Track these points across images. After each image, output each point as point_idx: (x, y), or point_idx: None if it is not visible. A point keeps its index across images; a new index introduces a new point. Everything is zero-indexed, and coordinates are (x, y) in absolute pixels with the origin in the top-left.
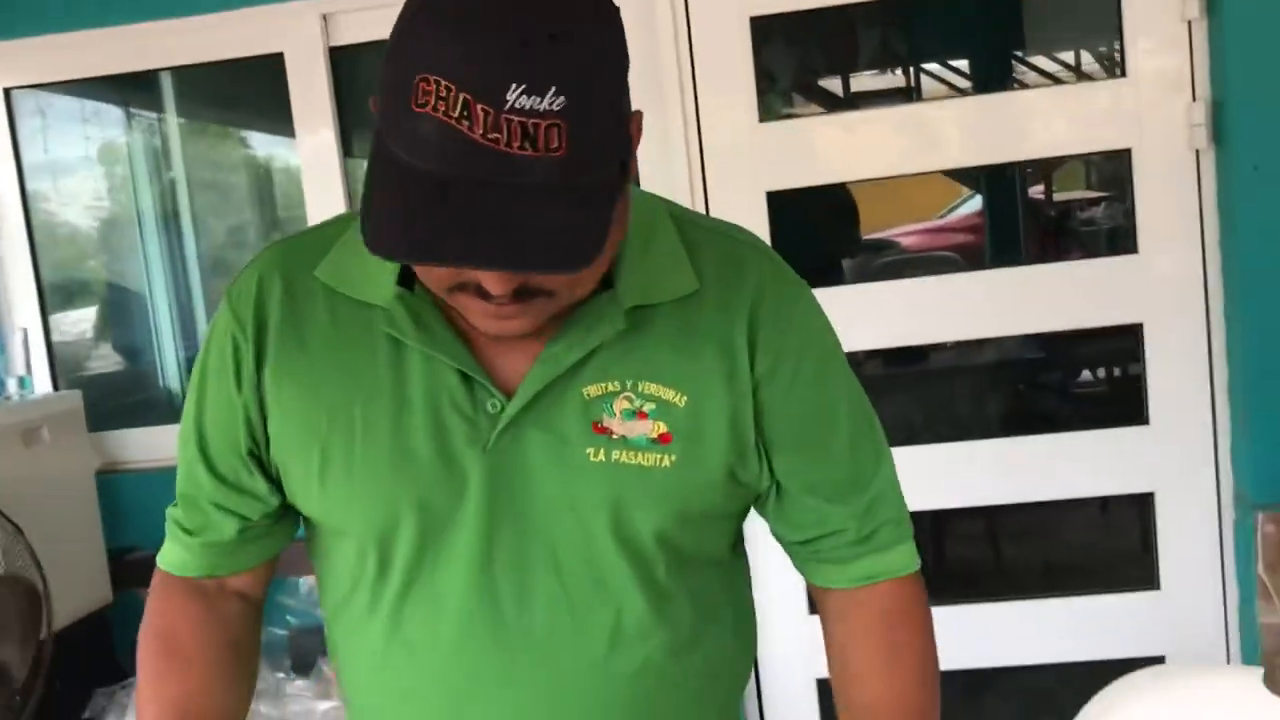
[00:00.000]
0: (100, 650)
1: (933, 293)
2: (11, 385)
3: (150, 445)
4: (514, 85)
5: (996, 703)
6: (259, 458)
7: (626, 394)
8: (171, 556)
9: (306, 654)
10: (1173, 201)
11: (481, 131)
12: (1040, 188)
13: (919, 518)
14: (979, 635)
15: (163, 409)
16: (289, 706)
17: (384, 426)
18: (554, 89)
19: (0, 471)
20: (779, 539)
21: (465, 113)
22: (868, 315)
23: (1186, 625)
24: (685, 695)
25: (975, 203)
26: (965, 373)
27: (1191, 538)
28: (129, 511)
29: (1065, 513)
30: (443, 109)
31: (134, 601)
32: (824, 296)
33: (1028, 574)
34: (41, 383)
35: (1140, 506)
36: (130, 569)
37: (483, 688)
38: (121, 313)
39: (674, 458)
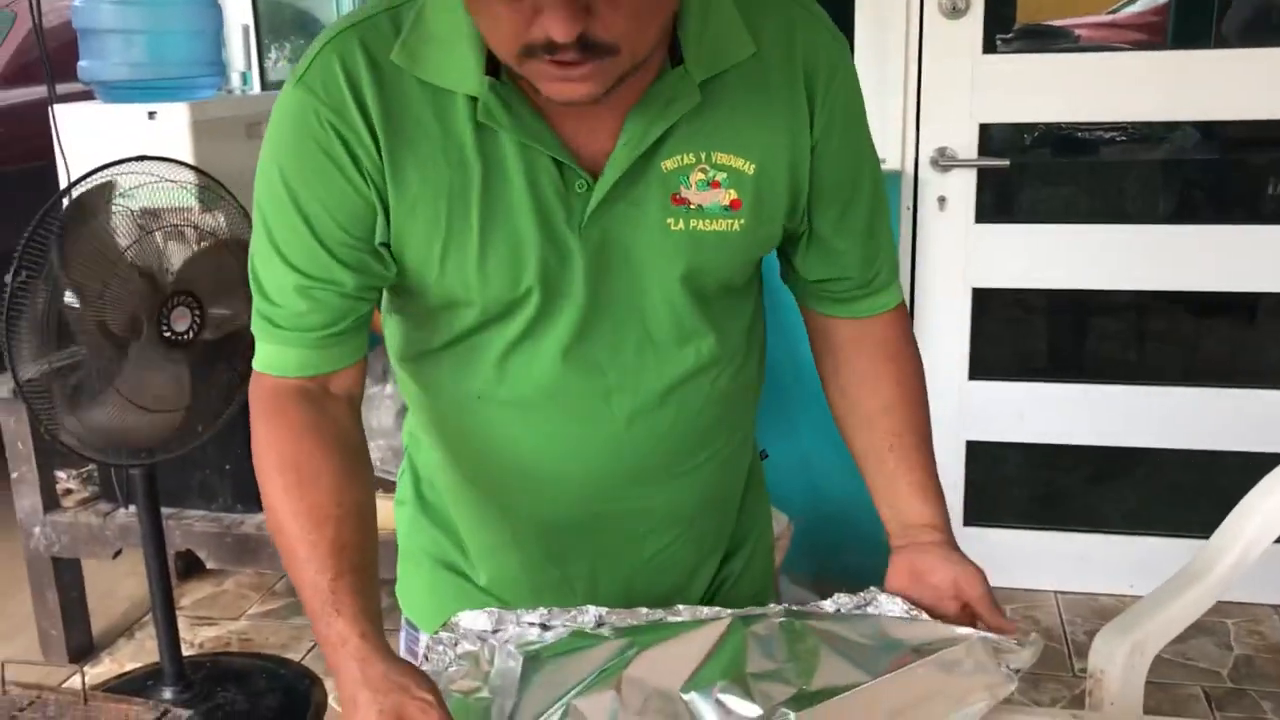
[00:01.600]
0: None
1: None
2: (235, 80)
3: None
4: None
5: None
6: (381, 241)
7: (702, 166)
8: (277, 358)
9: None
10: None
11: None
12: None
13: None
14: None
15: None
16: None
17: (498, 210)
18: None
19: (225, 156)
20: (790, 277)
21: None
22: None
23: None
24: (738, 410)
25: None
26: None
27: None
28: None
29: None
30: None
31: None
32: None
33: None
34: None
35: None
36: None
37: (572, 423)
38: None
39: (743, 221)
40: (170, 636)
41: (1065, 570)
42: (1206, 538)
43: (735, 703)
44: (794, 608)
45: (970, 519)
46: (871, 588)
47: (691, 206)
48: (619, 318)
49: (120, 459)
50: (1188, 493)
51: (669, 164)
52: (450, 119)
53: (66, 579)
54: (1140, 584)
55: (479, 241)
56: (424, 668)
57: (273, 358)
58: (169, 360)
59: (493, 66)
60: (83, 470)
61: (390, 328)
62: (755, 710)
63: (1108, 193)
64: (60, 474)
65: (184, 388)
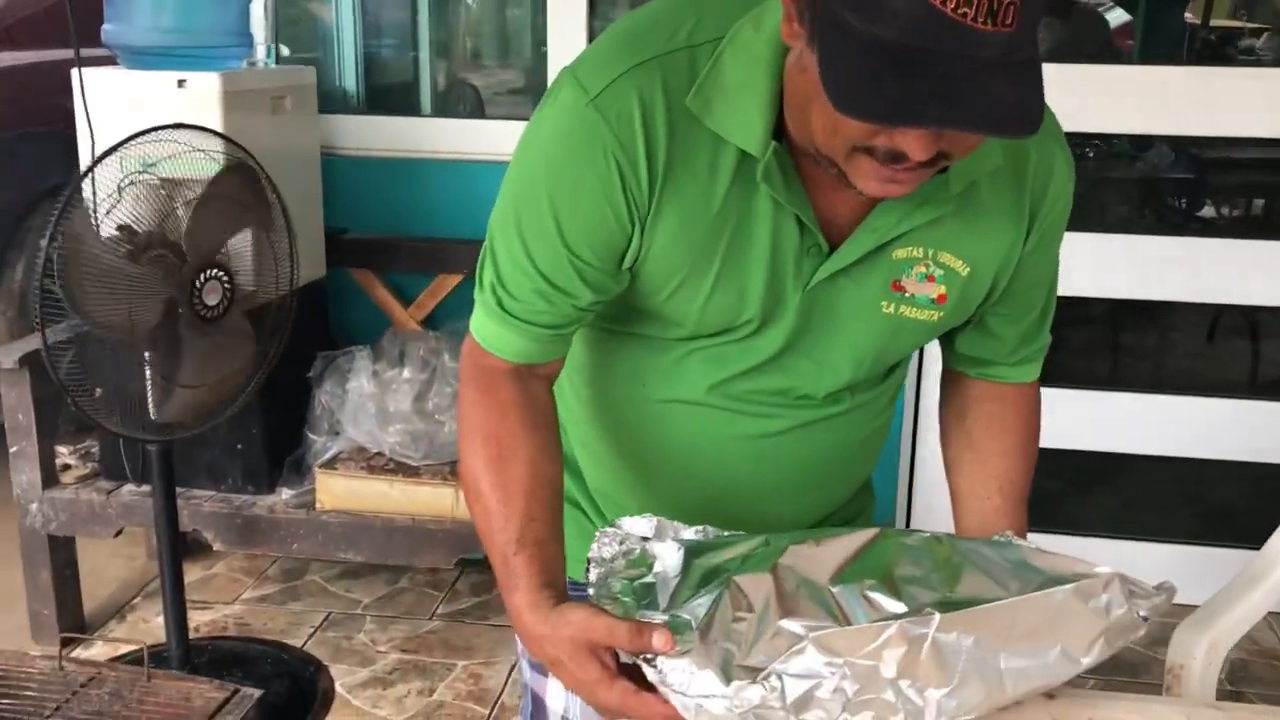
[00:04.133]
0: (317, 320)
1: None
2: (260, 53)
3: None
4: None
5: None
6: (623, 266)
7: (926, 261)
8: (501, 341)
9: None
10: None
11: (953, 6)
12: None
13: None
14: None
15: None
16: None
17: (736, 262)
18: None
19: (252, 129)
20: (942, 343)
21: None
22: None
23: None
24: (872, 445)
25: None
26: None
27: None
28: (340, 195)
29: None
30: None
31: (344, 279)
32: None
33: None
34: None
35: None
36: (343, 248)
37: (714, 434)
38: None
39: (942, 314)
40: (179, 618)
41: None
42: (1188, 543)
43: (882, 599)
44: (939, 533)
45: None
46: (1007, 532)
47: (906, 295)
48: (797, 371)
49: (141, 435)
50: (1168, 498)
51: (900, 253)
52: (718, 166)
53: (61, 558)
54: None
55: (713, 283)
56: (590, 554)
57: (497, 339)
58: (201, 334)
59: (776, 129)
60: (81, 446)
61: None
62: (901, 607)
63: (1082, 202)
64: (60, 449)
65: (213, 364)
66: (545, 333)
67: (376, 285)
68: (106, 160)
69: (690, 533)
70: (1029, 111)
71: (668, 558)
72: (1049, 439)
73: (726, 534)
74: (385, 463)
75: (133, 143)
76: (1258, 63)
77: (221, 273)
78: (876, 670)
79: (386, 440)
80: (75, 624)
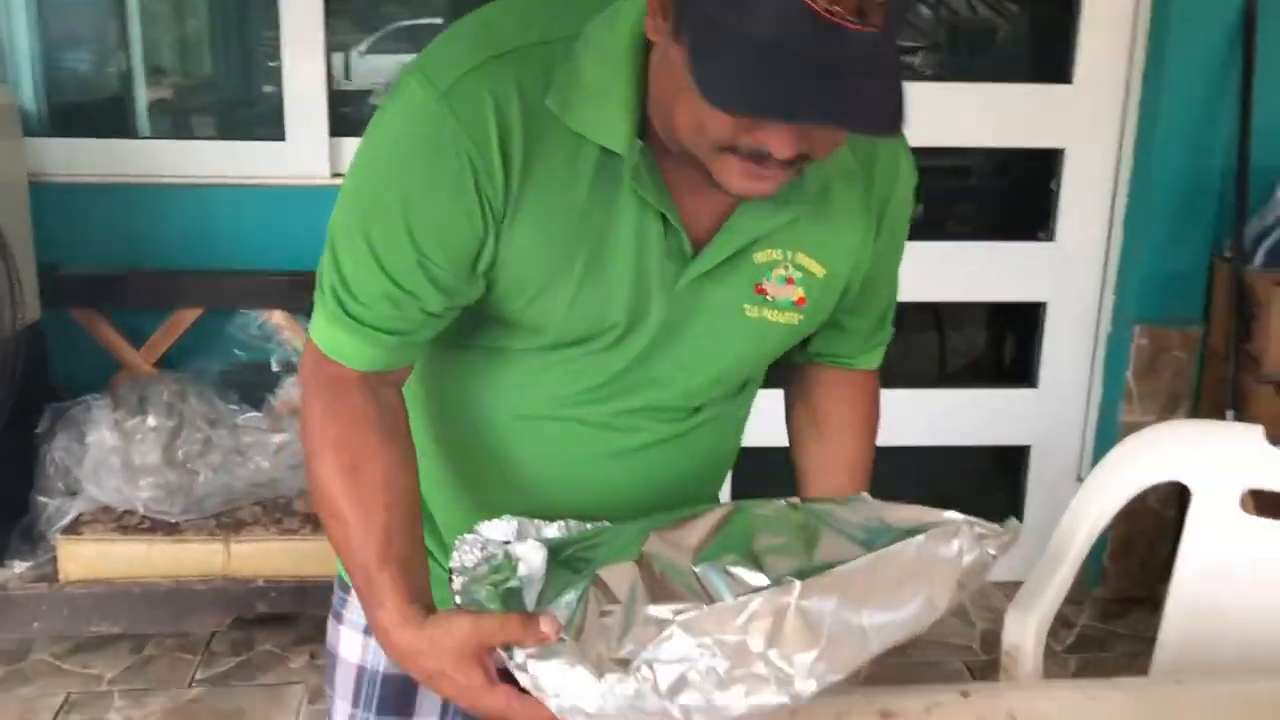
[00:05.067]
0: (34, 368)
1: None
2: None
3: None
4: None
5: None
6: (477, 269)
7: (786, 264)
8: (348, 350)
9: (254, 389)
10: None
11: (824, 4)
12: None
13: None
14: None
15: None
16: (242, 437)
17: (599, 264)
18: None
19: None
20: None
21: None
22: None
23: (1054, 419)
24: (723, 456)
25: None
26: None
27: (1070, 346)
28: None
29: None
30: None
31: (61, 321)
32: None
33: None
34: None
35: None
36: (59, 286)
37: (569, 449)
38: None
39: (802, 318)
40: None
41: None
42: None
43: (743, 574)
44: (792, 499)
45: None
46: (862, 494)
47: (768, 298)
48: (659, 381)
49: None
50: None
51: (760, 256)
52: (578, 166)
53: None
54: None
55: (576, 287)
56: (452, 564)
57: (342, 346)
58: None
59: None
60: None
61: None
62: (763, 579)
63: None
64: None
65: None
66: (393, 339)
67: (102, 325)
68: None
69: (552, 529)
70: (895, 110)
71: (532, 558)
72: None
73: (589, 526)
74: (139, 521)
75: None
76: (919, 78)
77: None
78: (745, 645)
79: (138, 496)
80: None
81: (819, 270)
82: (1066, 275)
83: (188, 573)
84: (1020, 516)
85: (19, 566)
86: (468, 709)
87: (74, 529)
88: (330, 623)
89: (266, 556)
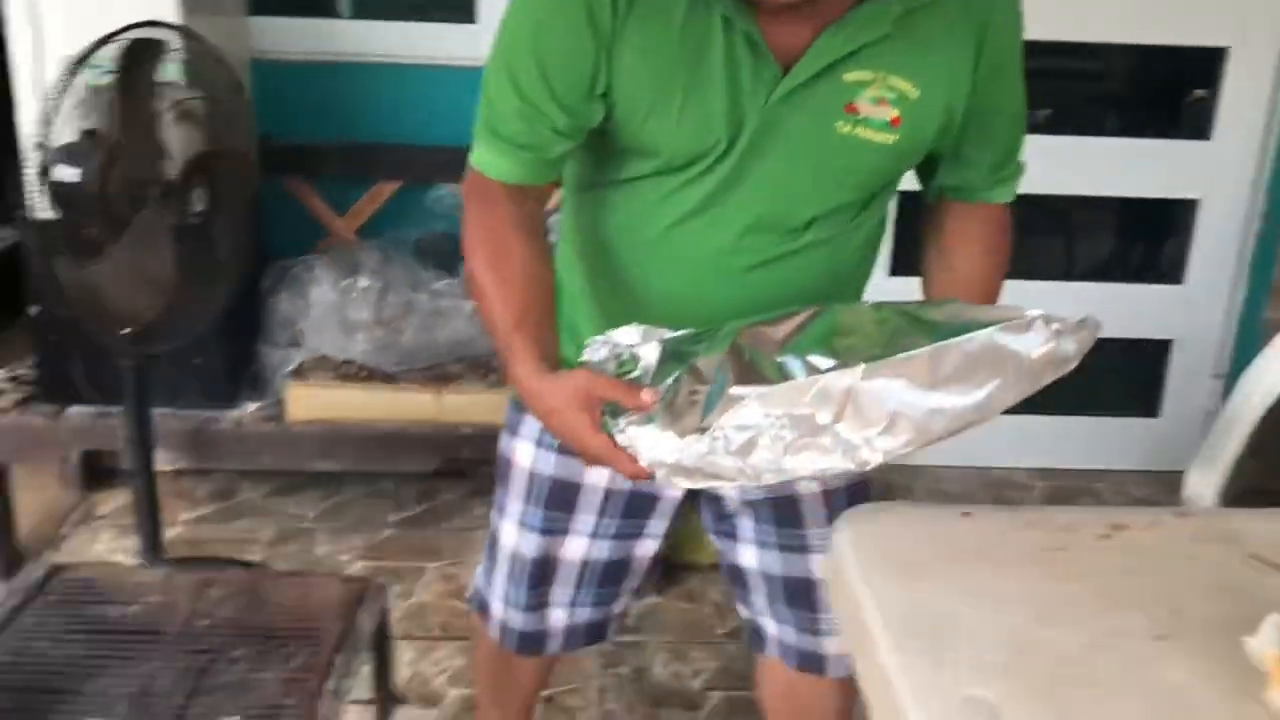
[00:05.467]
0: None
1: None
2: None
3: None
4: None
5: None
6: (595, 90)
7: (877, 84)
8: (493, 163)
9: (448, 257)
10: None
11: None
12: None
13: None
14: None
15: None
16: (441, 301)
17: (698, 85)
18: None
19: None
20: (922, 177)
21: None
22: None
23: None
24: (841, 280)
25: None
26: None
27: (1220, 244)
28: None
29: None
30: None
31: (274, 189)
32: None
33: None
34: None
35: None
36: (272, 155)
37: (697, 265)
38: None
39: (897, 138)
40: (154, 540)
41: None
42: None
43: (820, 360)
44: (882, 301)
45: None
46: (954, 298)
47: (860, 116)
48: (760, 194)
49: (103, 334)
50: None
51: (850, 77)
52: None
53: None
54: (1027, 458)
55: (680, 105)
56: (584, 357)
57: (489, 162)
58: (169, 239)
59: None
60: (16, 373)
61: (573, 163)
62: (832, 362)
63: None
64: None
65: (174, 271)
66: (527, 155)
67: (310, 194)
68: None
69: (670, 334)
70: None
71: (649, 355)
72: None
73: (702, 330)
74: (357, 370)
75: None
76: None
77: (204, 178)
78: (812, 418)
79: (355, 349)
80: (12, 557)
81: (913, 91)
82: (1222, 174)
83: (402, 417)
84: (1159, 410)
85: (250, 407)
86: (572, 444)
87: (298, 375)
88: (504, 437)
89: (474, 406)
